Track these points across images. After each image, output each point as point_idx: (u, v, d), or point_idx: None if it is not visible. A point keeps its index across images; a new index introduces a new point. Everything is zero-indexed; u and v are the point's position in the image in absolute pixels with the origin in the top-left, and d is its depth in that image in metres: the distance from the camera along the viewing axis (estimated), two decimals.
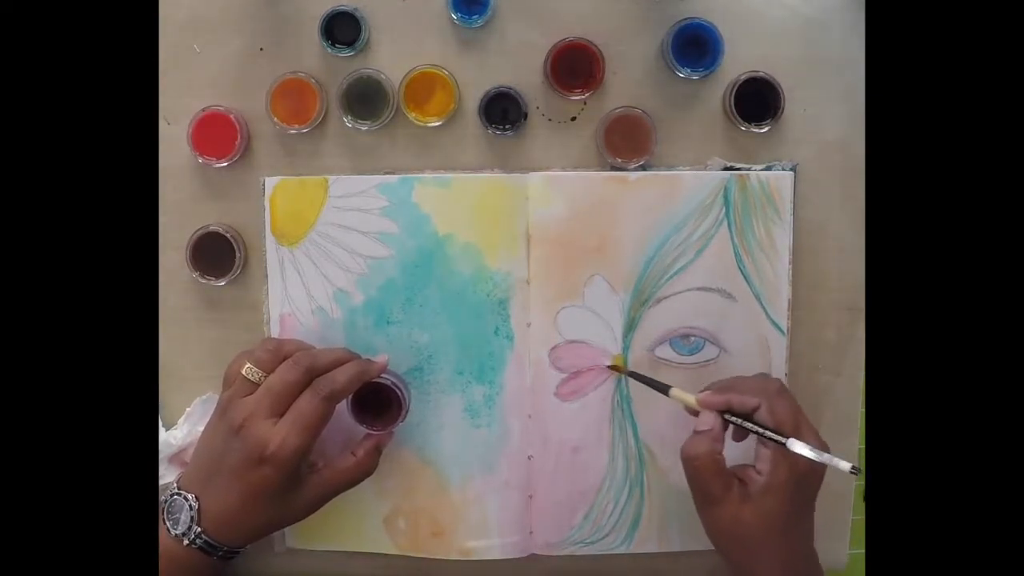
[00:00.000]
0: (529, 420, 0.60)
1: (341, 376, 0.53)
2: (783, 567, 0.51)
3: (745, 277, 0.60)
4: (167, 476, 0.59)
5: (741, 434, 0.54)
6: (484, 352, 0.60)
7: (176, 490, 0.52)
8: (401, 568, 0.62)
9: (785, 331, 0.60)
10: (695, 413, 0.54)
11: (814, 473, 0.51)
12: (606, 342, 0.60)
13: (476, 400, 0.60)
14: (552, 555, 0.62)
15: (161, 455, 0.59)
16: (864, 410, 0.60)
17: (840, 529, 0.63)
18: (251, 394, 0.52)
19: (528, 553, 0.62)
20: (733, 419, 0.52)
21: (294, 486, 0.52)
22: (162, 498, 0.53)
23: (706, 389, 0.54)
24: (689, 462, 0.51)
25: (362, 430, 0.56)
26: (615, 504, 0.61)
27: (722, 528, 0.51)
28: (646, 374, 0.59)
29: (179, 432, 0.60)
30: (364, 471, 0.55)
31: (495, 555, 0.61)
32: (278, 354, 0.54)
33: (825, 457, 0.49)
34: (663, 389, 0.56)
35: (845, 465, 0.48)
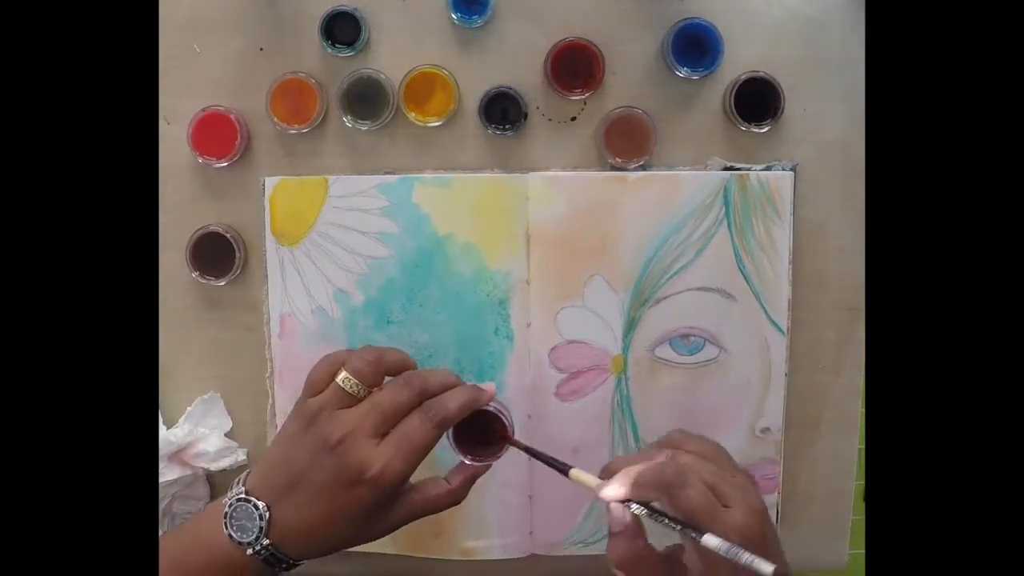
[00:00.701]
0: (529, 420, 0.60)
1: (452, 403, 0.49)
2: None
3: (745, 277, 0.60)
4: (167, 474, 0.59)
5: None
6: (484, 352, 0.60)
7: (243, 495, 0.47)
8: (401, 568, 0.62)
9: (785, 331, 0.60)
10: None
11: (754, 528, 0.44)
12: (606, 342, 0.60)
13: None
14: (552, 555, 0.62)
15: (161, 452, 0.59)
16: (864, 410, 0.60)
17: (840, 529, 0.63)
18: (348, 407, 0.48)
19: (528, 553, 0.62)
20: (641, 510, 0.45)
21: (383, 509, 0.48)
22: (226, 500, 0.48)
23: (606, 469, 0.48)
24: (620, 569, 0.46)
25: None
26: None
27: None
28: (542, 454, 0.51)
29: (179, 431, 0.60)
30: (454, 500, 0.50)
31: (495, 555, 0.61)
32: (379, 366, 0.49)
33: (745, 557, 0.41)
34: (563, 470, 0.49)
35: (767, 568, 0.40)
